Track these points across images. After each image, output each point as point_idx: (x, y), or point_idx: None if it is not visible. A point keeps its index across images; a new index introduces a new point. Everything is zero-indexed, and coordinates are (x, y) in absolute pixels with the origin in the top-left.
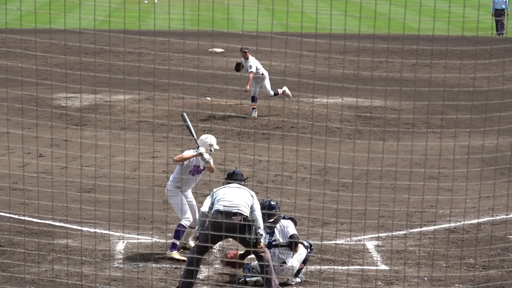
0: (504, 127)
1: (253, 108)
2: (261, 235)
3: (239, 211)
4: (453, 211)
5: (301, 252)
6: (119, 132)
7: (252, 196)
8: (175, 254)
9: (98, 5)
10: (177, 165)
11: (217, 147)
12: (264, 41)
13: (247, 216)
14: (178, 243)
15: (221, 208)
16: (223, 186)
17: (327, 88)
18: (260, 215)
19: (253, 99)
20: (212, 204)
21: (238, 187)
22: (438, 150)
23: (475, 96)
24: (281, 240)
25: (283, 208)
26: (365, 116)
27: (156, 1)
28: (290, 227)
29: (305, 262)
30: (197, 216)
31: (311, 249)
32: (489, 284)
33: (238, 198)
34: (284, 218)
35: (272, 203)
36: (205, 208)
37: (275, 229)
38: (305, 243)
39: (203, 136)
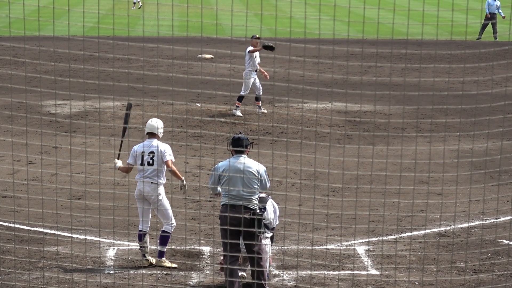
0: (494, 130)
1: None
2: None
3: (247, 205)
4: (443, 215)
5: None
6: (108, 139)
7: (258, 172)
8: (165, 262)
9: (86, 11)
10: (159, 170)
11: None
12: None
13: (255, 209)
14: (165, 250)
15: (230, 201)
16: (228, 165)
17: (316, 93)
18: (269, 183)
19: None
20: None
21: (244, 168)
22: (427, 154)
23: (464, 100)
24: (276, 221)
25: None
26: (354, 121)
27: (140, 6)
28: (277, 214)
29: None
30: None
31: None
32: None
33: (245, 184)
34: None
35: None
36: (214, 185)
37: (267, 207)
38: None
39: (153, 120)
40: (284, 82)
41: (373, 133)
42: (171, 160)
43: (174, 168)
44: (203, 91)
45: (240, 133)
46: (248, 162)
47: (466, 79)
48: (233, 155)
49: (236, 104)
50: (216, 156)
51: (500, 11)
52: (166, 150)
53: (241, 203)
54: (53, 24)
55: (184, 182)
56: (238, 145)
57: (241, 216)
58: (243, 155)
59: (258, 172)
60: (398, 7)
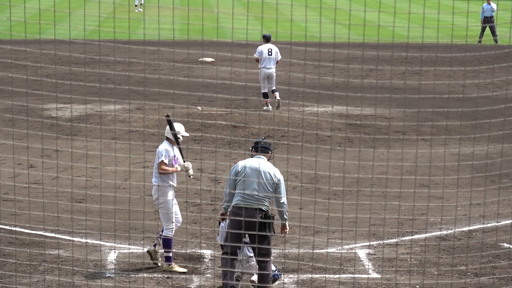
0: (494, 133)
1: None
2: (286, 218)
3: (259, 207)
4: (444, 218)
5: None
6: (109, 142)
7: (276, 176)
8: (174, 267)
9: (87, 14)
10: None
11: (186, 134)
12: (254, 50)
13: (267, 210)
14: (170, 254)
15: (242, 203)
16: (248, 164)
17: (317, 97)
18: (285, 197)
19: (265, 95)
20: (235, 186)
21: (263, 169)
22: (428, 158)
23: (465, 103)
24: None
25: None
26: (355, 124)
27: (140, 9)
28: None
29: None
30: (175, 220)
31: (278, 273)
32: None
33: (260, 186)
34: None
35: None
36: (230, 188)
37: None
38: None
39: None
40: (285, 86)
41: (374, 136)
42: (161, 161)
43: (164, 168)
44: (204, 95)
45: (263, 137)
46: (267, 165)
47: (466, 82)
48: (252, 156)
49: (266, 102)
50: (217, 159)
51: (495, 10)
52: (159, 151)
53: (255, 205)
54: (54, 27)
55: (178, 168)
56: (260, 148)
57: (252, 217)
58: (263, 157)
59: (275, 176)
60: (398, 11)
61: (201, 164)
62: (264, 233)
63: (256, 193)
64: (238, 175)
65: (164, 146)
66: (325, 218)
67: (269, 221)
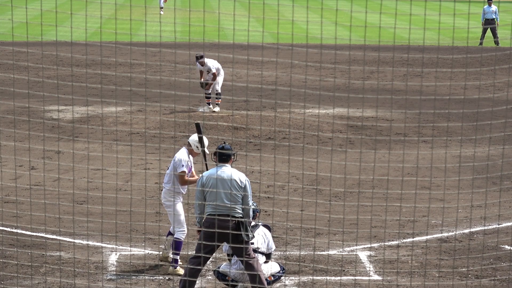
0: (495, 135)
1: (214, 103)
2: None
3: (231, 213)
4: (445, 220)
5: (274, 265)
6: (111, 144)
7: (242, 181)
8: (179, 271)
9: (89, 16)
10: (170, 175)
11: (206, 151)
12: (256, 52)
13: (241, 216)
14: (178, 257)
15: (214, 211)
16: (213, 175)
17: (318, 98)
18: (251, 200)
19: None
20: (204, 197)
21: (228, 178)
22: (429, 160)
23: (466, 105)
24: (263, 249)
25: (276, 219)
26: (356, 126)
27: (161, 12)
28: (271, 240)
29: (275, 280)
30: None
31: (283, 271)
32: None
33: (228, 195)
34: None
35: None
36: (199, 199)
37: (256, 235)
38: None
39: (194, 135)
40: (286, 87)
41: (375, 138)
42: (183, 172)
43: (185, 180)
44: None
45: (225, 143)
46: (231, 172)
47: (468, 84)
48: (217, 165)
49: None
50: None
51: (497, 16)
52: (179, 160)
53: (226, 212)
54: (55, 29)
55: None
56: (222, 155)
57: (225, 225)
58: (226, 165)
59: (241, 181)
60: (399, 13)
61: (202, 166)
62: (242, 235)
63: (227, 202)
64: (204, 186)
65: (183, 155)
66: (326, 219)
67: (243, 220)
